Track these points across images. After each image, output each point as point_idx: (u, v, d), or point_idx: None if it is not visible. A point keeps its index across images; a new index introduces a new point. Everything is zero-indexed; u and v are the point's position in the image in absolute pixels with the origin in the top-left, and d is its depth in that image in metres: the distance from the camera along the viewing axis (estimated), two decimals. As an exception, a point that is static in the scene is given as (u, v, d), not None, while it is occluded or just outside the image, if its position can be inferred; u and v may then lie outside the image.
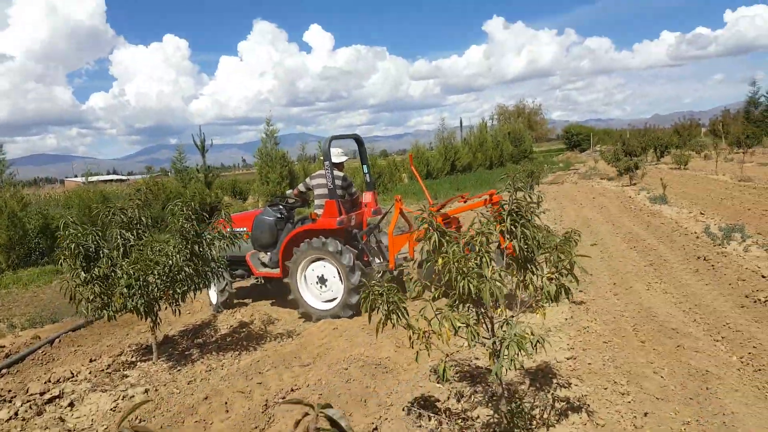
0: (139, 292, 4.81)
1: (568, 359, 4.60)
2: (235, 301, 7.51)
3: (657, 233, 9.61)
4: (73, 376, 5.05)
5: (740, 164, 18.34)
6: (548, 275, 3.14)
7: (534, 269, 3.43)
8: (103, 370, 5.20)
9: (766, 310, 5.40)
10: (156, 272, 4.83)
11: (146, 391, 4.65)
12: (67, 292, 4.82)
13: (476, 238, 3.29)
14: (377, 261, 7.06)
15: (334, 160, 6.92)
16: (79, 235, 4.85)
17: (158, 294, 4.97)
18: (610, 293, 6.58)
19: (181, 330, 6.54)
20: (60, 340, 6.16)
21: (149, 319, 5.20)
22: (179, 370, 5.19)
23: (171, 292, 5.07)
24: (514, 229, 3.36)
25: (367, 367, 4.96)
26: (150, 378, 5.02)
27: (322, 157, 6.88)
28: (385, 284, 3.25)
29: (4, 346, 5.97)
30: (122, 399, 4.54)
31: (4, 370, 5.36)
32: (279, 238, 6.98)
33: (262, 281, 7.41)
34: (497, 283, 3.04)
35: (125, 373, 5.18)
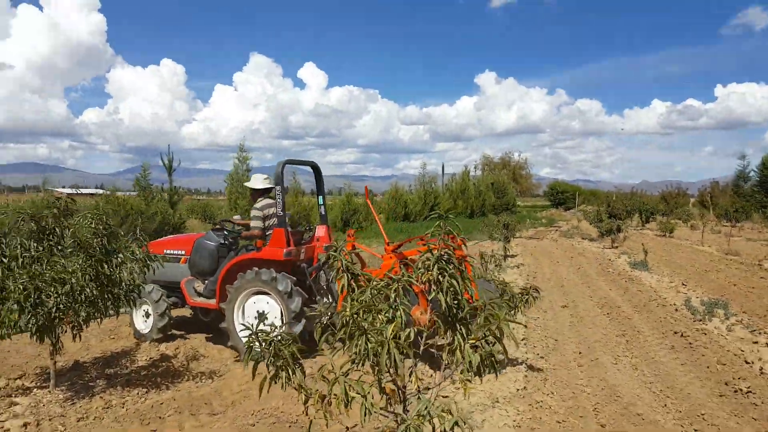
0: (33, 311, 4.01)
1: (510, 443, 3.76)
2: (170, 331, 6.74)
3: (634, 301, 8.88)
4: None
5: (727, 237, 17.81)
6: (472, 341, 2.34)
7: (465, 331, 2.65)
8: (-10, 397, 4.33)
9: (747, 403, 4.63)
10: (53, 291, 4.04)
11: (25, 425, 3.82)
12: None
13: (392, 286, 2.53)
14: (325, 301, 6.28)
15: (259, 186, 6.41)
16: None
17: (56, 315, 4.19)
18: (573, 363, 5.78)
19: (96, 357, 5.86)
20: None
21: (49, 342, 4.42)
22: (74, 403, 4.53)
23: (72, 314, 4.29)
24: (441, 279, 2.60)
25: (278, 426, 4.18)
26: (38, 410, 4.30)
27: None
28: (282, 333, 2.46)
29: None
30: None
31: None
32: (219, 266, 6.28)
33: (195, 313, 6.66)
34: (402, 347, 2.28)
35: (15, 400, 4.48)
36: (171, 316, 6.48)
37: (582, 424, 4.23)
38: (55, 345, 4.51)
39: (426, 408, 2.23)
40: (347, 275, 2.65)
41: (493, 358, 2.30)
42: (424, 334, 2.67)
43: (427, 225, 23.49)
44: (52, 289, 4.10)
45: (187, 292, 6.36)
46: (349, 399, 2.30)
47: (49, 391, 4.63)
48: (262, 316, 5.73)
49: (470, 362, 2.25)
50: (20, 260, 4.28)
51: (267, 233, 6.16)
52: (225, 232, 6.66)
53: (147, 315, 6.45)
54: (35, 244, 4.23)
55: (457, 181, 33.06)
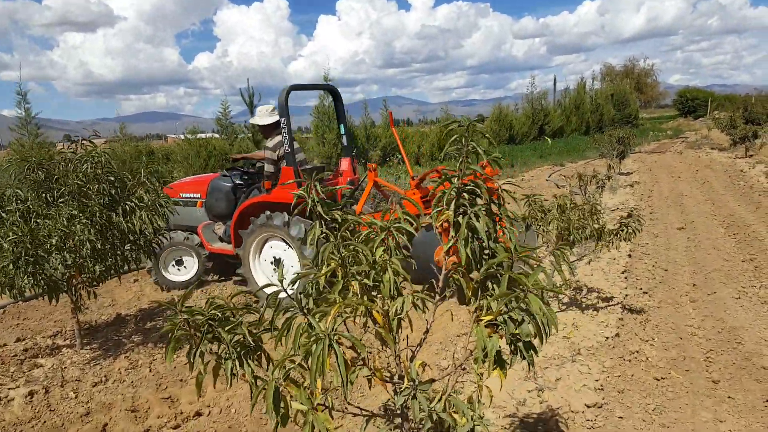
0: (29, 269, 3.85)
1: (587, 409, 3.09)
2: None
3: (769, 218, 7.43)
4: (-22, 361, 4.29)
5: None
6: (488, 318, 1.67)
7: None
8: (18, 354, 4.39)
9: None
10: (50, 246, 3.86)
11: (31, 393, 3.74)
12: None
13: (376, 238, 1.92)
14: None
15: (266, 120, 5.65)
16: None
17: (64, 273, 4.02)
18: (685, 298, 4.85)
19: (142, 308, 5.61)
20: (5, 311, 5.50)
21: (71, 300, 4.32)
22: (97, 364, 4.23)
23: (80, 271, 4.14)
24: (459, 220, 1.96)
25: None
26: (58, 372, 4.11)
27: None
28: (226, 300, 1.93)
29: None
30: None
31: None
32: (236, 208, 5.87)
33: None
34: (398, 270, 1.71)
35: (39, 361, 4.32)
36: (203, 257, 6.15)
37: (688, 381, 3.43)
38: (76, 303, 4.33)
39: (423, 406, 1.66)
40: (318, 223, 2.06)
41: (522, 342, 1.63)
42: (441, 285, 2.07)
43: (534, 147, 21.94)
44: (48, 245, 3.85)
45: (204, 237, 5.99)
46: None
47: (75, 351, 4.48)
48: (279, 264, 5.36)
49: (485, 349, 1.61)
50: (16, 214, 3.96)
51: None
52: (239, 171, 6.18)
53: (179, 263, 6.13)
54: (32, 194, 3.99)
55: (571, 96, 30.27)
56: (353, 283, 1.81)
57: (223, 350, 1.72)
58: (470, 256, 1.91)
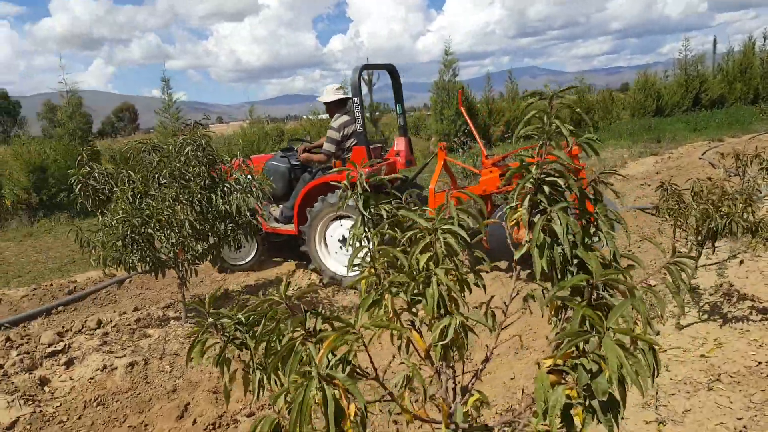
0: (137, 247, 4.02)
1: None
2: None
3: None
4: (97, 327, 4.58)
5: None
6: (549, 363, 1.21)
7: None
8: (131, 324, 4.63)
9: None
10: (155, 224, 3.98)
11: (131, 365, 3.88)
12: (78, 237, 4.20)
13: (422, 239, 1.51)
14: None
15: (331, 98, 5.60)
16: (87, 173, 4.21)
17: (167, 250, 4.15)
18: None
19: (248, 285, 5.73)
20: (131, 280, 5.88)
21: (178, 276, 4.48)
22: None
23: (186, 249, 4.23)
24: (534, 221, 1.51)
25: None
26: (160, 344, 4.27)
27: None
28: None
29: (75, 281, 5.89)
30: (103, 370, 3.85)
31: (60, 308, 5.18)
32: (295, 190, 5.79)
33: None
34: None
35: (149, 332, 4.54)
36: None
37: None
38: (182, 278, 4.45)
39: None
40: (361, 220, 1.70)
41: (599, 401, 1.14)
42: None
43: (686, 120, 19.52)
44: (153, 224, 3.99)
45: (262, 217, 5.78)
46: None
47: (180, 325, 4.61)
48: (346, 242, 5.18)
49: (546, 403, 1.15)
50: (128, 194, 4.09)
51: (346, 155, 5.46)
52: (296, 152, 6.04)
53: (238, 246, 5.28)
54: (140, 177, 4.10)
55: (736, 59, 26.32)
56: (387, 296, 1.44)
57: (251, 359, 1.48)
58: (546, 267, 1.45)
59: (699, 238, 3.26)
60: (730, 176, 5.97)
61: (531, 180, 1.52)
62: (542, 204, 1.51)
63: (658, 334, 3.49)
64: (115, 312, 4.89)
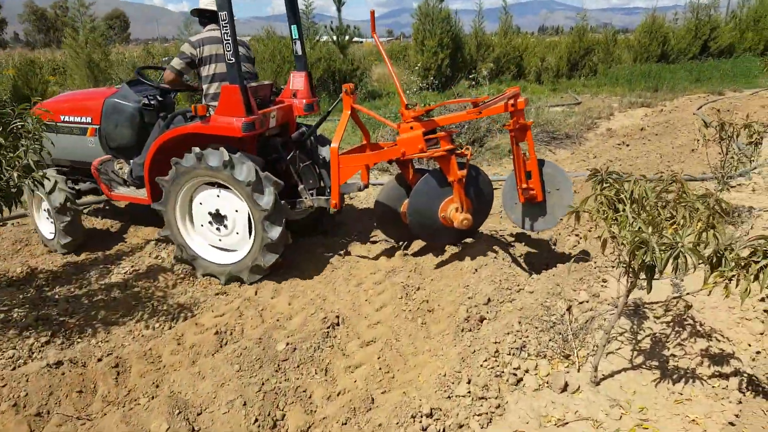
0: None
1: None
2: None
3: None
4: None
5: None
6: None
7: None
8: None
9: None
10: None
11: None
12: None
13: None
14: (309, 191, 4.25)
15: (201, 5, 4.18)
16: None
17: None
18: None
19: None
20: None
21: None
22: None
23: None
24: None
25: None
26: None
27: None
28: None
29: None
30: None
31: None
32: (148, 140, 4.33)
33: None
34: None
35: None
36: (76, 210, 4.54)
37: None
38: None
39: None
40: None
41: None
42: None
43: (690, 68, 17.97)
44: None
45: (102, 180, 4.52)
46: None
47: None
48: (219, 219, 3.98)
49: None
50: None
51: (209, 91, 4.09)
52: (149, 86, 4.57)
53: (60, 211, 4.47)
54: None
55: (751, 6, 24.36)
56: None
57: None
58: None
59: (632, 267, 2.17)
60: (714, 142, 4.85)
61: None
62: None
63: (564, 389, 2.47)
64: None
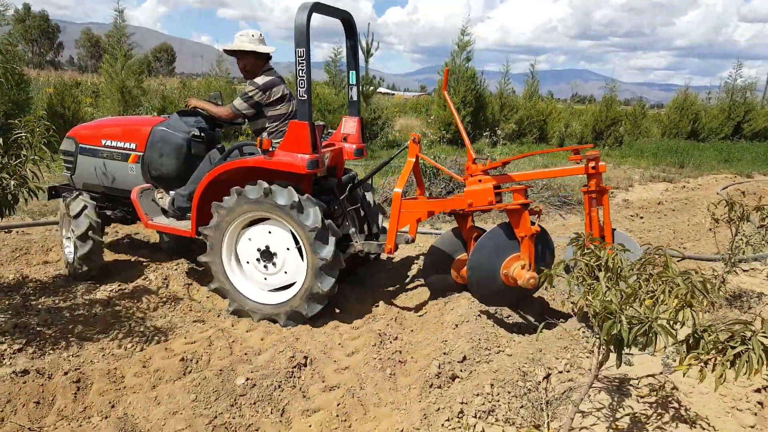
0: None
1: None
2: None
3: None
4: None
5: None
6: None
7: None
8: None
9: None
10: None
11: None
12: None
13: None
14: (357, 235, 4.08)
15: (246, 46, 4.08)
16: None
17: None
18: None
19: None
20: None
21: None
22: None
23: None
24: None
25: None
26: None
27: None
28: None
29: None
30: None
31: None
32: (195, 172, 4.23)
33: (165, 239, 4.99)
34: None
35: None
36: (97, 240, 4.34)
37: None
38: None
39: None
40: None
41: None
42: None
43: (721, 147, 17.77)
44: None
45: (142, 208, 4.34)
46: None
47: None
48: (269, 257, 3.86)
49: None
50: None
51: (270, 129, 4.07)
52: (199, 118, 4.46)
53: (80, 237, 4.31)
54: None
55: (788, 92, 24.33)
56: None
57: None
58: None
59: (603, 339, 2.05)
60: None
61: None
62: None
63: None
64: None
